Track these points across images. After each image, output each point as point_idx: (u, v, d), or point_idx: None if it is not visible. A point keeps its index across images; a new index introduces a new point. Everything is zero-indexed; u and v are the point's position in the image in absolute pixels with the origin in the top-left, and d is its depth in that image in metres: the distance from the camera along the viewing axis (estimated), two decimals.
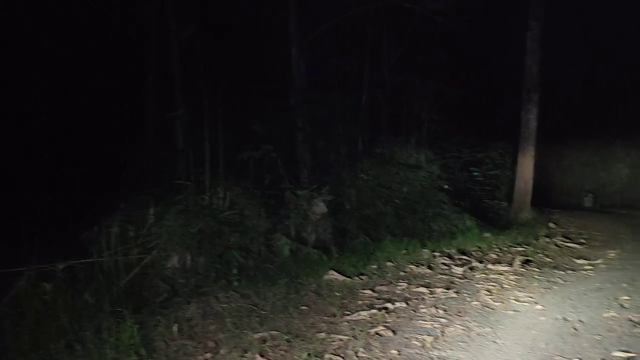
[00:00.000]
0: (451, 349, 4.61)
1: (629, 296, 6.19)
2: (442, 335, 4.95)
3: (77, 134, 11.22)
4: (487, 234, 10.20)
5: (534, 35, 12.38)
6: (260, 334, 5.06)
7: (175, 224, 7.12)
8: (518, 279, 7.16)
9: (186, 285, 6.68)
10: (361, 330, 5.03)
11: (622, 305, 5.84)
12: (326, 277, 7.05)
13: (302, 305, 5.99)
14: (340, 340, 4.85)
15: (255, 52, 13.51)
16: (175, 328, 5.27)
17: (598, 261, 8.42)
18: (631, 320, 5.28)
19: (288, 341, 4.89)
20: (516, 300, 6.11)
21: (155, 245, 7.07)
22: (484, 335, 4.94)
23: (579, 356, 4.40)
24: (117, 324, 5.13)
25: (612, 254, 8.93)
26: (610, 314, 5.54)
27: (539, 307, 5.84)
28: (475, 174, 13.70)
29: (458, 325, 5.20)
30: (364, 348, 4.65)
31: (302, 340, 4.92)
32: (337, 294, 6.40)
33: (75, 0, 11.20)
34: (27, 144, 10.71)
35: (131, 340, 4.88)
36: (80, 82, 11.59)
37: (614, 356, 4.38)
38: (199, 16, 9.98)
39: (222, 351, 4.72)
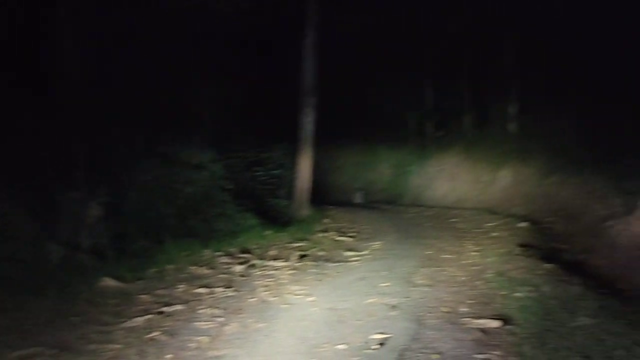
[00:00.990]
0: (227, 348, 4.70)
1: (388, 283, 6.97)
2: (219, 334, 5.03)
3: None
4: (268, 232, 10.58)
5: (310, 43, 13.13)
6: (21, 352, 4.58)
7: None
8: (294, 273, 7.58)
9: None
10: (136, 337, 4.86)
11: (381, 292, 6.55)
12: (101, 284, 6.65)
13: (72, 316, 5.57)
14: (112, 350, 4.63)
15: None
16: None
17: (364, 252, 9.29)
18: (388, 305, 5.95)
19: (53, 357, 4.51)
20: (291, 293, 6.47)
21: None
22: (260, 331, 5.14)
23: (344, 341, 4.82)
24: None
25: (376, 246, 9.92)
26: (372, 300, 6.18)
27: (311, 298, 6.26)
28: (259, 173, 14.09)
29: (235, 323, 5.33)
30: (138, 355, 4.50)
31: (71, 353, 4.59)
32: (112, 301, 6.08)
33: None
34: None
35: None
36: None
37: (373, 338, 4.89)
38: None
39: None
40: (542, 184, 15.30)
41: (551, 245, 10.22)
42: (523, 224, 11.96)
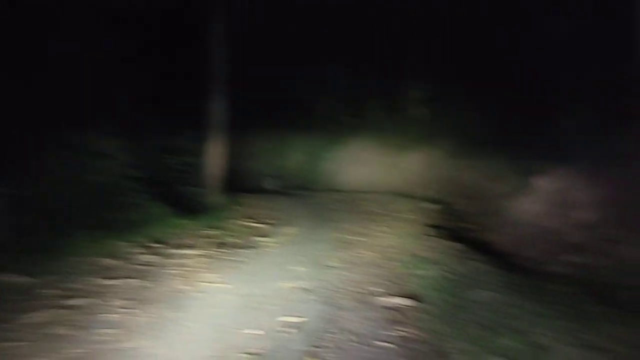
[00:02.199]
0: (141, 339, 4.60)
1: (303, 267, 7.07)
2: (132, 326, 4.90)
3: None
4: (182, 220, 10.35)
5: (220, 30, 12.92)
6: None
7: None
8: (208, 261, 7.49)
9: None
10: (41, 333, 4.64)
11: (296, 276, 6.63)
12: (2, 279, 6.25)
13: None
14: (14, 347, 4.38)
15: None
16: None
17: (279, 238, 9.34)
18: (303, 289, 6.04)
19: None
20: (205, 282, 6.40)
21: None
22: (173, 320, 5.06)
23: (259, 327, 4.86)
24: None
25: (291, 231, 9.99)
26: (287, 284, 6.25)
27: (225, 286, 6.23)
28: (170, 161, 13.73)
29: (149, 314, 5.21)
30: (43, 351, 4.30)
31: None
32: (14, 297, 5.75)
33: None
34: None
35: None
36: None
37: (288, 322, 4.96)
38: None
39: None
40: (449, 167, 16.01)
41: (458, 225, 10.75)
42: (432, 206, 12.48)
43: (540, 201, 8.46)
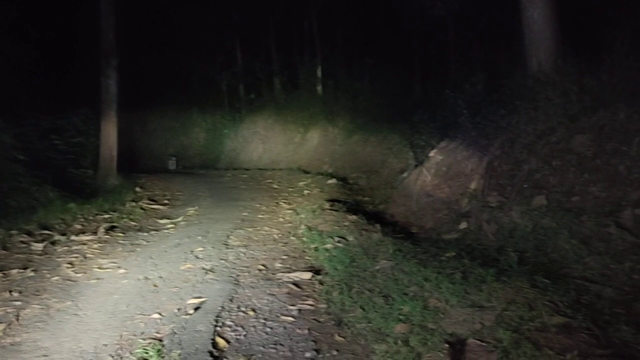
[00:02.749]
0: (27, 332, 4.31)
1: (203, 247, 6.94)
2: (17, 319, 4.58)
3: None
4: (72, 205, 9.76)
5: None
6: None
7: None
8: (102, 246, 7.16)
9: None
10: None
11: (197, 257, 6.50)
12: None
13: None
14: None
15: None
16: None
17: (179, 219, 9.11)
18: (204, 269, 5.93)
19: None
20: (99, 268, 6.11)
21: None
22: (64, 310, 4.79)
23: (158, 310, 4.71)
24: None
25: (191, 211, 9.78)
26: (187, 266, 6.10)
27: (121, 271, 5.99)
28: (57, 142, 12.85)
29: (36, 305, 4.89)
30: None
31: None
32: None
33: None
34: None
35: None
36: None
37: (189, 303, 4.84)
38: None
39: None
40: (347, 143, 16.33)
41: (356, 198, 11.00)
42: (331, 181, 12.67)
43: (433, 174, 8.83)
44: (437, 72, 16.89)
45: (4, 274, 5.85)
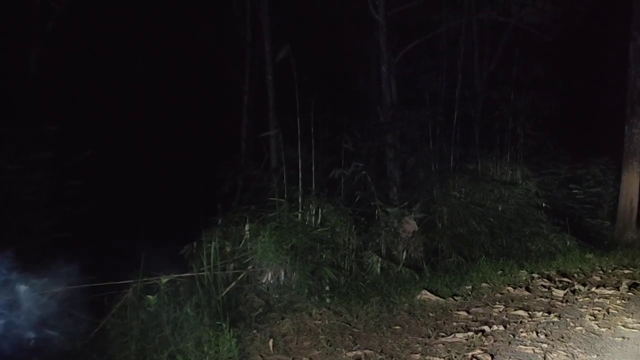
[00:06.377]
0: None
1: None
2: None
3: (174, 151, 11.73)
4: (589, 255, 9.62)
5: (637, 46, 11.64)
6: (354, 353, 5.06)
7: (269, 240, 7.26)
8: (625, 303, 6.71)
9: (280, 301, 6.81)
10: (457, 353, 4.91)
11: None
12: (419, 297, 6.92)
13: (395, 325, 5.92)
14: None
15: (345, 71, 13.72)
16: (271, 343, 5.37)
17: None
18: None
19: None
20: (624, 326, 5.74)
21: (250, 260, 7.27)
22: None
23: None
24: (216, 337, 5.27)
25: None
26: None
27: None
28: (575, 191, 13.01)
29: (561, 351, 4.96)
30: None
31: None
32: (431, 314, 6.28)
33: (169, 24, 11.76)
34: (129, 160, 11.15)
35: (229, 353, 5.02)
36: (179, 102, 12.21)
37: None
38: (291, 38, 10.26)
39: None
40: None
41: None
42: None
43: None
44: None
45: (530, 314, 6.18)
